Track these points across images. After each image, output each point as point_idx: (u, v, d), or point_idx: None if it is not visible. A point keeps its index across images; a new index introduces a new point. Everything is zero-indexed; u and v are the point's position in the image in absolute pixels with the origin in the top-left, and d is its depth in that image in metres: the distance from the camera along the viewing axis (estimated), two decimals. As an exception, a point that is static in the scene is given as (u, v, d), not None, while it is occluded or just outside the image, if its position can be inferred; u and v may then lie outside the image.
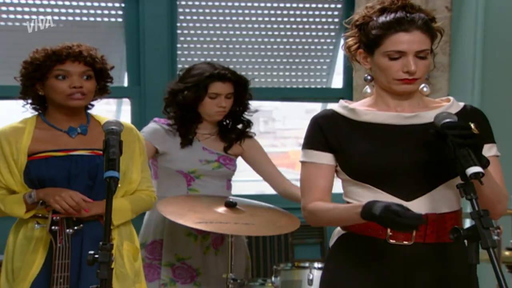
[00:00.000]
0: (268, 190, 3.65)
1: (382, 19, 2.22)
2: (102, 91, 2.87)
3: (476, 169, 1.98)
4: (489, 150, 2.24)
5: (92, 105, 2.91)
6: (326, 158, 2.29)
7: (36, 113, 2.84)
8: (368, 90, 2.31)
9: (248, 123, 3.55)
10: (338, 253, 2.33)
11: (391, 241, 2.21)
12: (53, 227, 2.61)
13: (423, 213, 2.17)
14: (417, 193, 2.21)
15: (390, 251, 2.22)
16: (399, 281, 2.22)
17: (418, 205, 2.20)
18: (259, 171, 3.60)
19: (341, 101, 2.35)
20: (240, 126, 3.56)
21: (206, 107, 3.42)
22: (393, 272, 2.22)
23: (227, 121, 3.54)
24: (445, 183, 2.22)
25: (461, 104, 2.31)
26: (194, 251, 3.44)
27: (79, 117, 2.82)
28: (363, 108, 2.31)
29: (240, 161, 3.62)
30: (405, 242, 2.21)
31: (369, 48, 2.25)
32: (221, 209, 3.19)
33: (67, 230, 2.63)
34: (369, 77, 2.30)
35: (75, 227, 2.64)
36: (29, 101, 2.82)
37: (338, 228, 2.36)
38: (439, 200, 2.22)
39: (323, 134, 2.29)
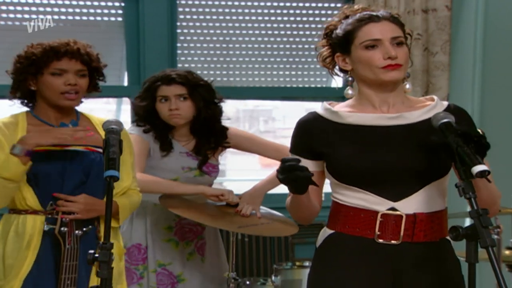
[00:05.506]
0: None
1: (350, 19, 2.29)
2: (93, 89, 2.84)
3: (482, 167, 1.97)
4: None
5: (81, 101, 2.83)
6: (308, 165, 2.20)
7: (25, 109, 2.79)
8: (350, 92, 2.31)
9: (222, 131, 3.41)
10: (326, 253, 2.31)
11: (379, 240, 2.21)
12: (62, 229, 2.60)
13: (411, 213, 2.19)
14: (404, 194, 2.20)
15: (378, 250, 2.21)
16: (387, 281, 2.22)
17: (406, 205, 2.20)
18: (252, 151, 3.56)
19: (324, 103, 2.33)
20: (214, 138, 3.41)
21: (161, 112, 3.32)
22: (381, 271, 2.21)
23: (201, 129, 3.38)
24: (431, 184, 2.21)
25: (445, 103, 2.30)
26: (174, 257, 3.36)
27: (70, 114, 2.79)
28: (346, 110, 2.30)
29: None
30: (393, 242, 2.20)
31: (344, 47, 2.29)
32: (231, 211, 3.13)
33: (76, 232, 2.61)
34: (350, 78, 2.31)
35: (84, 228, 2.63)
36: (18, 96, 2.76)
37: (325, 228, 2.35)
38: (426, 200, 2.21)
39: (307, 140, 2.30)
